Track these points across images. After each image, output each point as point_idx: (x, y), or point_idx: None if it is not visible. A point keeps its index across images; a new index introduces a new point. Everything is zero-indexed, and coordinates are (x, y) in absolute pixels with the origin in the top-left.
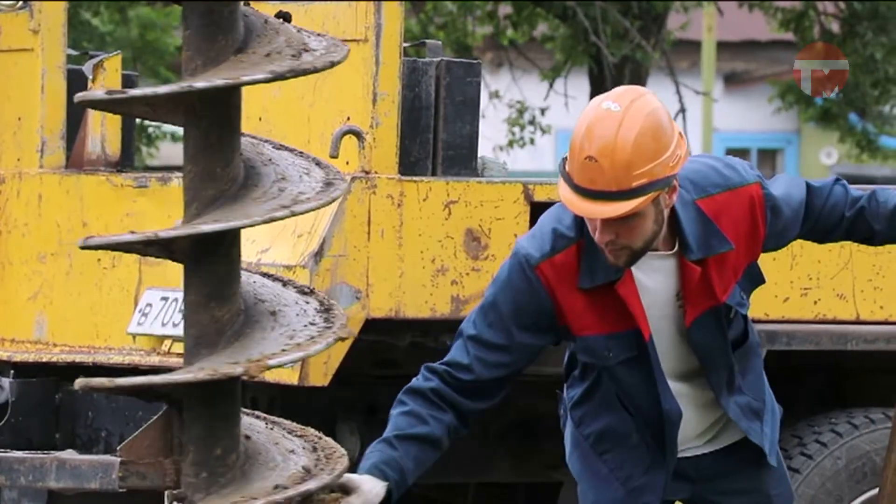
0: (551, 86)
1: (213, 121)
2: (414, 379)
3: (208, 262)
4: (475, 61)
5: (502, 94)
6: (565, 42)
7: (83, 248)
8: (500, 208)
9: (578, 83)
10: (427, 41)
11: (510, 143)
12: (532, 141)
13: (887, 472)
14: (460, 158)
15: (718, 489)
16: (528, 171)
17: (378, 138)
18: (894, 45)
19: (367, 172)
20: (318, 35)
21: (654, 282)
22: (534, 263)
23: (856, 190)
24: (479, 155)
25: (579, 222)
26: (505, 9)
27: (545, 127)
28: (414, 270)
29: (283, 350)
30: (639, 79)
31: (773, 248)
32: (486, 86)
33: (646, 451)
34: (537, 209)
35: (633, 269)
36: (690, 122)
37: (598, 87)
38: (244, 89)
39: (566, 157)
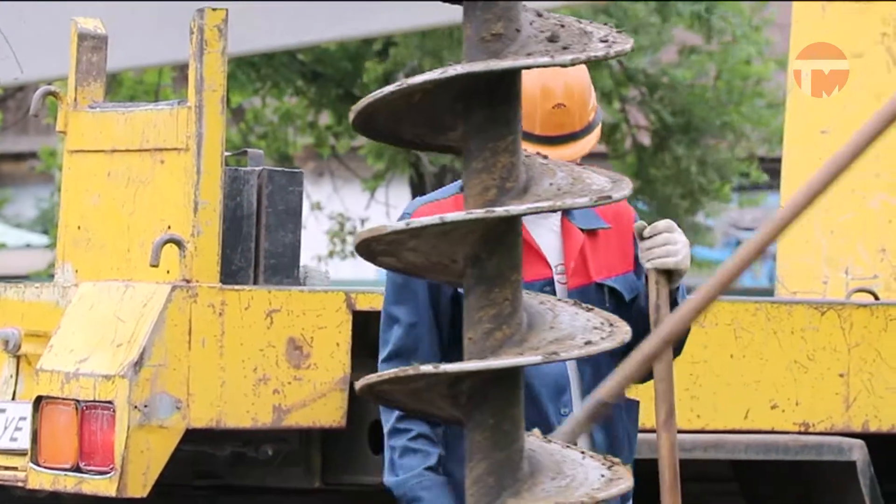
0: (373, 195)
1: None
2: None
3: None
4: (297, 170)
5: (324, 203)
6: (385, 151)
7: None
8: (323, 317)
9: (399, 192)
10: (248, 150)
11: (330, 254)
12: (353, 254)
13: None
14: (282, 267)
15: None
16: (351, 280)
17: (199, 247)
18: (705, 157)
19: (188, 281)
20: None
21: (543, 239)
22: (410, 211)
23: None
24: (302, 264)
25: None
26: (325, 118)
27: None
28: (235, 380)
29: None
30: None
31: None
32: (307, 196)
33: None
34: (360, 318)
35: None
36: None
37: (418, 195)
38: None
39: None
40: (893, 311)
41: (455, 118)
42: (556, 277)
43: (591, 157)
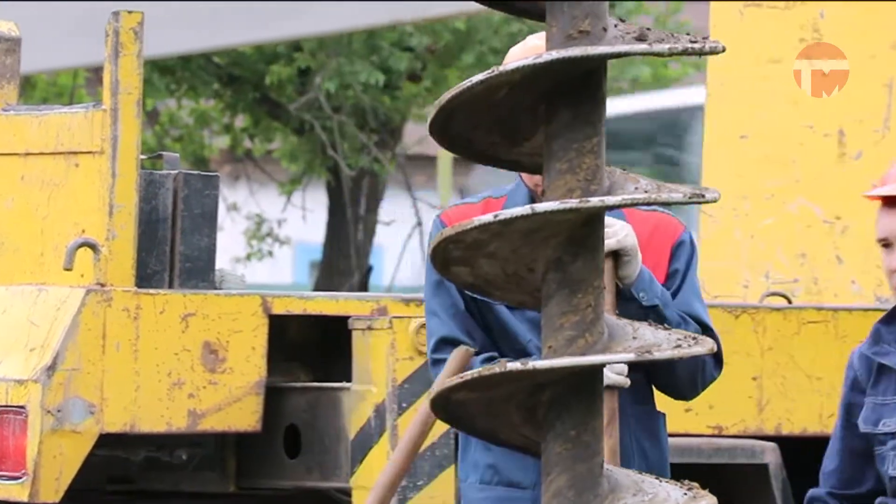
0: (289, 199)
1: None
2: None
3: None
4: (213, 174)
5: (240, 206)
6: (303, 155)
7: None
8: (238, 321)
9: (316, 196)
10: (164, 153)
11: (248, 256)
12: (271, 253)
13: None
14: (198, 271)
15: None
16: (267, 284)
17: (114, 251)
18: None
19: (102, 285)
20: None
21: None
22: (439, 213)
23: None
24: (218, 267)
25: (500, 191)
26: (241, 121)
27: (284, 238)
28: (150, 384)
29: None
30: (376, 192)
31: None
32: (223, 198)
33: None
34: (276, 322)
35: None
36: (427, 237)
37: (335, 199)
38: None
39: None
40: (806, 315)
41: (535, 122)
42: None
43: None
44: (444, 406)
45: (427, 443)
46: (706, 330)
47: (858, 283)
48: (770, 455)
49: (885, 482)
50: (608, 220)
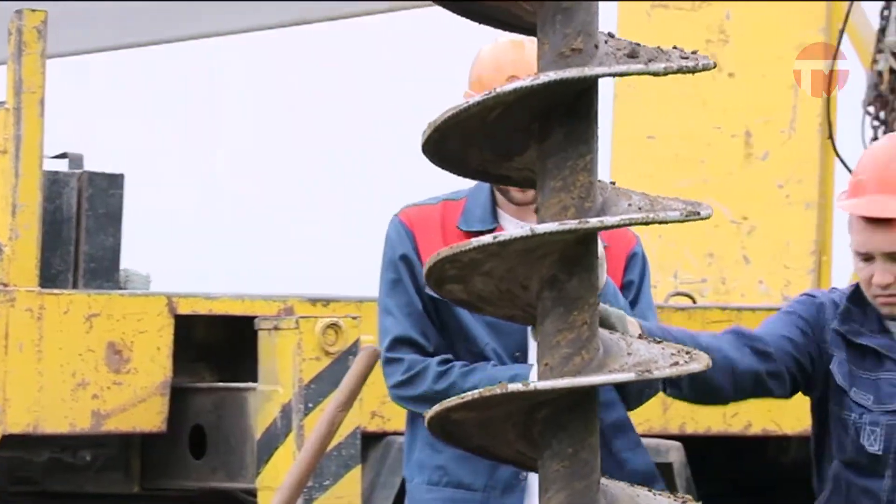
0: None
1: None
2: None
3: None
4: (118, 174)
5: None
6: None
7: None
8: (143, 321)
9: None
10: (69, 152)
11: None
12: None
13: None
14: (102, 271)
15: None
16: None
17: (17, 250)
18: None
19: (5, 285)
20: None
21: None
22: (398, 212)
23: None
24: (123, 267)
25: (458, 194)
26: None
27: None
28: (53, 384)
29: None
30: None
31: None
32: None
33: None
34: (181, 322)
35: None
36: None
37: None
38: None
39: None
40: (710, 315)
41: (527, 139)
42: None
43: None
44: (441, 425)
45: (333, 443)
46: None
47: (766, 284)
48: (674, 454)
49: (846, 450)
50: None
